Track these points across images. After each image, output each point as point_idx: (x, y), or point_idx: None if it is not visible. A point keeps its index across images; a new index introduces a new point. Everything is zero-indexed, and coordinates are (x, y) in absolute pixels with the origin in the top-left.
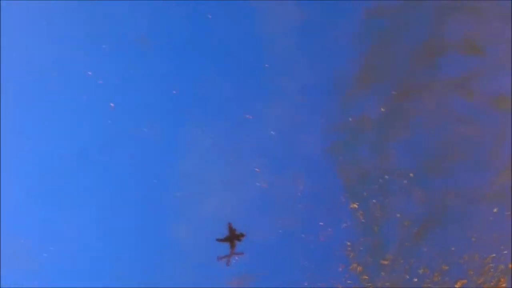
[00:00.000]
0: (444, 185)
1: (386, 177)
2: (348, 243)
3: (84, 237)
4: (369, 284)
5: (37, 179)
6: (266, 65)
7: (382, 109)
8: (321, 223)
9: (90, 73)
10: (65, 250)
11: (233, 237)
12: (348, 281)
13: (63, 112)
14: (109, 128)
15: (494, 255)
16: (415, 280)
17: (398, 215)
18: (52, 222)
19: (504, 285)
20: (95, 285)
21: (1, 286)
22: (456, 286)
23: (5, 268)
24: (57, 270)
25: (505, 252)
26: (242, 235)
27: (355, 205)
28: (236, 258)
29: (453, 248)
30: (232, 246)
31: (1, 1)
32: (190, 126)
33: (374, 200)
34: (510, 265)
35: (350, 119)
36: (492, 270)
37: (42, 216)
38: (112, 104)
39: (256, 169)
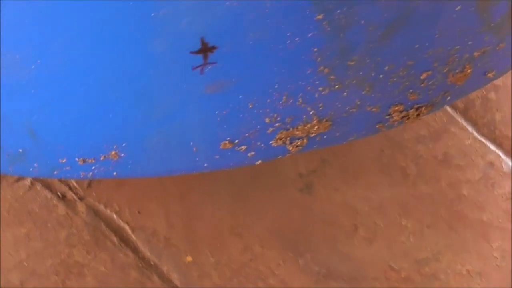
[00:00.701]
0: None
1: None
2: (315, 49)
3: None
4: (337, 85)
5: None
6: None
7: None
8: (288, 34)
9: None
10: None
11: (205, 49)
12: (316, 82)
13: None
14: None
15: (458, 46)
16: (381, 76)
17: (363, 21)
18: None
19: (469, 71)
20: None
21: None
22: (421, 77)
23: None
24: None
25: (470, 43)
26: (214, 47)
27: (320, 16)
28: (209, 67)
29: (417, 46)
30: (205, 57)
31: None
32: None
33: (338, 11)
34: (474, 53)
35: None
36: (457, 59)
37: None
38: None
39: None
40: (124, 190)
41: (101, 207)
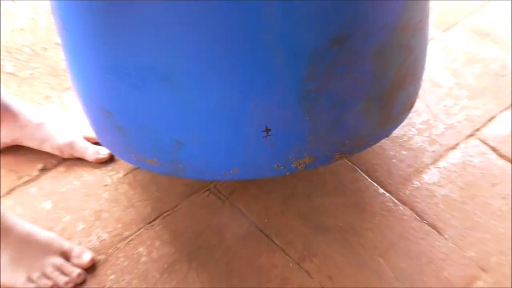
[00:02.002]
0: None
1: None
2: (304, 129)
3: None
4: (315, 144)
5: None
6: None
7: None
8: (292, 121)
9: None
10: None
11: (267, 130)
12: (307, 142)
13: None
14: None
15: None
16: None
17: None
18: None
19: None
20: None
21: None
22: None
23: None
24: None
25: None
26: (270, 129)
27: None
28: (269, 137)
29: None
30: (267, 132)
31: None
32: None
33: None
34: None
35: None
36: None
37: None
38: None
39: None
40: (247, 197)
41: (235, 202)
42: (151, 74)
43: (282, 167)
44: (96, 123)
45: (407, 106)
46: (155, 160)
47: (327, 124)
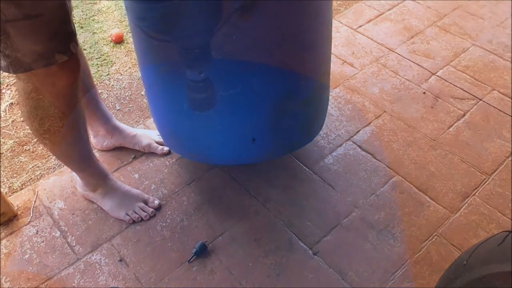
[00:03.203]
0: None
1: None
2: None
3: None
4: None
5: None
6: None
7: None
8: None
9: None
10: None
11: (253, 140)
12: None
13: None
14: None
15: None
16: None
17: None
18: None
19: None
20: None
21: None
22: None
23: None
24: None
25: None
26: (254, 139)
27: None
28: (254, 141)
29: None
30: (253, 140)
31: None
32: None
33: None
34: None
35: None
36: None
37: None
38: None
39: None
40: (238, 171)
41: (232, 174)
42: (194, 113)
43: (258, 158)
44: (164, 135)
45: (319, 127)
46: (194, 154)
47: (281, 138)
